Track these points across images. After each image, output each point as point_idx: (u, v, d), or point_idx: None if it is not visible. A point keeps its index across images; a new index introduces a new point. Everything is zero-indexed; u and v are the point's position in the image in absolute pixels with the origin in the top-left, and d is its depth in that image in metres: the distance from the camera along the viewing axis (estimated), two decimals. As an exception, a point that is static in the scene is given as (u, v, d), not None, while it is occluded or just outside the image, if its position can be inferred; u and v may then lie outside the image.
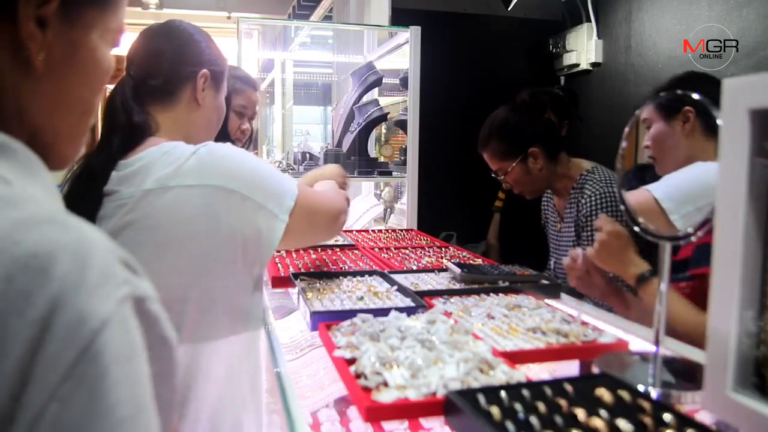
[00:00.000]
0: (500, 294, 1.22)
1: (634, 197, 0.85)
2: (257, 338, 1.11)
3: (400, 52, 2.85)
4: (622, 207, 0.80)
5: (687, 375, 0.78)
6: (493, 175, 1.80)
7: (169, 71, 1.09)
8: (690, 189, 1.10)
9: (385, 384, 0.73)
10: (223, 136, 1.79)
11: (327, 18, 4.30)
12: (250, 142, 2.00)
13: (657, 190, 1.14)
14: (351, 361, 0.81)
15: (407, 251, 1.74)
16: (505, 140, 1.72)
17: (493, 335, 0.95)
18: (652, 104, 1.25)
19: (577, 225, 1.64)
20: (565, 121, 2.26)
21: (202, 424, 1.01)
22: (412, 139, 2.50)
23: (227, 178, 0.97)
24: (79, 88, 0.53)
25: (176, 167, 0.96)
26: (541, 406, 0.63)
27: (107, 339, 0.38)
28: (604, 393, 0.67)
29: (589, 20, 3.26)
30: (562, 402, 0.64)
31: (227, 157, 1.00)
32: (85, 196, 0.99)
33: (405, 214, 2.58)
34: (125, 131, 1.04)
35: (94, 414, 0.37)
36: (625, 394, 0.67)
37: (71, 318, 0.37)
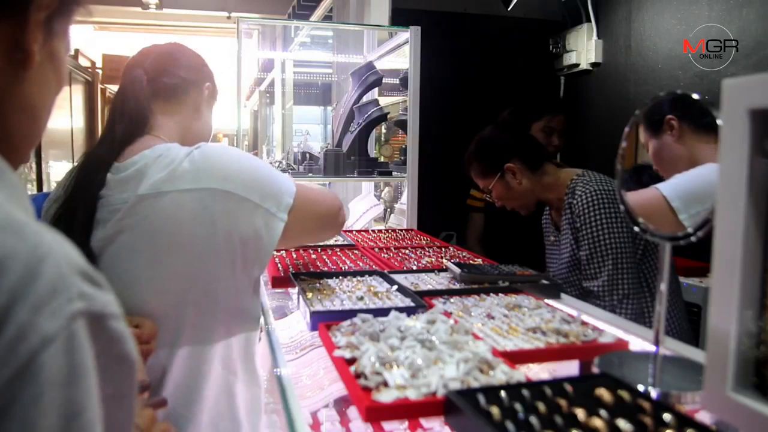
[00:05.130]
0: (500, 294, 1.22)
1: (642, 195, 0.84)
2: (254, 340, 1.11)
3: (400, 52, 2.85)
4: (621, 207, 0.80)
5: (687, 375, 0.77)
6: (484, 194, 1.87)
7: (183, 74, 1.15)
8: (698, 189, 1.08)
9: (385, 384, 0.73)
10: None
11: (327, 18, 4.29)
12: None
13: (666, 188, 1.12)
14: (351, 361, 0.81)
15: (407, 251, 1.74)
16: (482, 159, 1.79)
17: (493, 335, 0.95)
18: (641, 126, 1.25)
19: (573, 228, 1.64)
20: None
21: (204, 427, 1.01)
22: (412, 139, 2.50)
23: (222, 180, 0.97)
24: (50, 95, 0.53)
25: (170, 171, 0.96)
26: (541, 406, 0.63)
27: (47, 359, 0.35)
28: (604, 393, 0.67)
29: (589, 20, 3.26)
30: (562, 402, 0.64)
31: (221, 158, 1.00)
32: (87, 189, 0.99)
33: (405, 214, 2.58)
34: (127, 121, 1.05)
35: None
36: (625, 394, 0.67)
37: (12, 334, 0.34)
